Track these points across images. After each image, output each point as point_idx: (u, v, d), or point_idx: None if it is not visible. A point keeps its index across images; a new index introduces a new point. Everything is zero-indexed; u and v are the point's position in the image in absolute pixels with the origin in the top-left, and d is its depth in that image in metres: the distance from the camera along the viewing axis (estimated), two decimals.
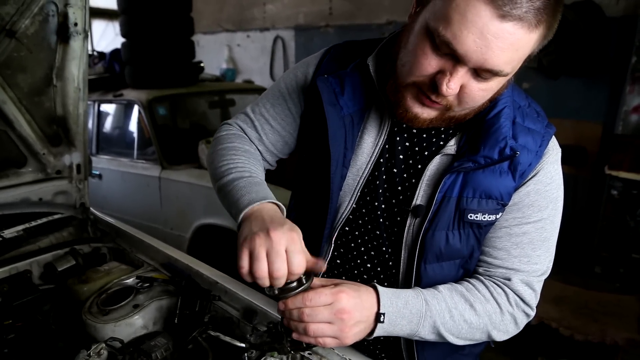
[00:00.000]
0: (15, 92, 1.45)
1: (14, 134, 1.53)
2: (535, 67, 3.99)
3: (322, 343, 0.78)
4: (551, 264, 0.92)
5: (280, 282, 0.73)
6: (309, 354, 0.97)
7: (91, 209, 1.74)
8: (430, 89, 0.75)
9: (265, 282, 0.73)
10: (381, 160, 0.92)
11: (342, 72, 0.92)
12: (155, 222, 3.31)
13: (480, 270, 0.92)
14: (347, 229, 0.97)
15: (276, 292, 0.76)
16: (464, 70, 0.71)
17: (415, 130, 0.89)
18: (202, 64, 3.98)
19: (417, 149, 0.90)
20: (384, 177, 0.92)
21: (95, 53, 3.95)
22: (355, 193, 0.93)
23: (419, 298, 0.83)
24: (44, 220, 1.65)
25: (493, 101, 0.82)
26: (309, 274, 0.77)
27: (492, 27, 0.66)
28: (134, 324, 1.14)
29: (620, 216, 3.47)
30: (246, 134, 1.05)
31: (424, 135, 0.89)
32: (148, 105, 3.24)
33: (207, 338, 1.08)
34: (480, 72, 0.71)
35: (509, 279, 0.89)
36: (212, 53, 6.50)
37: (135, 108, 3.34)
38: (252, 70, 6.27)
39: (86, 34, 1.47)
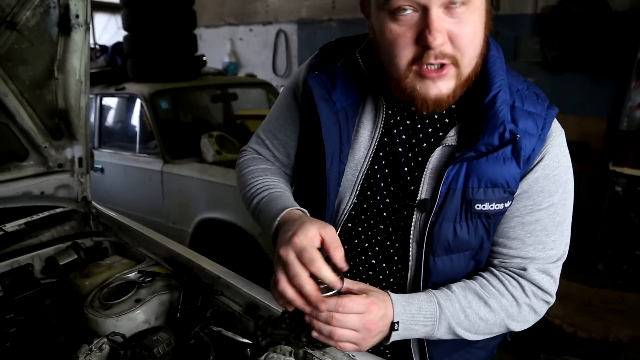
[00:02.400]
0: (17, 85, 1.44)
1: (16, 127, 1.52)
2: (539, 62, 3.97)
3: (341, 347, 0.78)
4: (567, 247, 0.91)
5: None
6: (311, 350, 0.97)
7: (93, 202, 1.73)
8: (425, 56, 0.74)
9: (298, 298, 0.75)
10: (380, 153, 0.91)
11: (332, 67, 0.92)
12: (157, 216, 3.31)
13: (495, 262, 0.91)
14: (349, 225, 0.96)
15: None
16: (436, 12, 0.71)
17: (411, 121, 0.88)
18: (204, 58, 3.97)
19: (416, 141, 0.89)
20: (386, 170, 0.91)
21: (97, 46, 3.94)
22: (356, 188, 0.92)
23: (432, 302, 0.84)
24: (46, 214, 1.64)
25: (487, 85, 0.81)
26: (341, 275, 0.76)
27: None
28: (135, 318, 1.14)
29: (624, 213, 3.45)
30: (261, 155, 1.09)
31: (421, 126, 0.88)
32: (150, 98, 3.23)
33: (209, 333, 1.07)
34: (450, 7, 0.71)
35: (525, 269, 0.88)
36: (215, 47, 6.47)
37: (138, 102, 3.33)
38: (255, 64, 6.25)
39: (88, 26, 1.45)
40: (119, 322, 1.11)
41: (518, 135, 0.79)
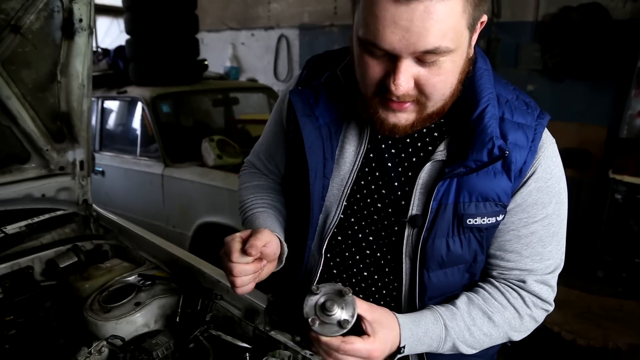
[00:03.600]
0: (20, 88, 1.45)
1: (18, 129, 1.52)
2: (540, 69, 3.99)
3: None
4: (563, 256, 0.92)
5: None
6: (310, 354, 0.97)
7: (94, 205, 1.74)
8: (387, 94, 0.75)
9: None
10: (366, 169, 0.91)
11: (316, 83, 0.93)
12: (157, 220, 3.31)
13: (494, 273, 0.92)
14: (339, 238, 0.95)
15: (316, 326, 0.77)
16: (406, 63, 0.71)
17: (399, 136, 0.87)
18: (206, 62, 3.98)
19: (405, 155, 0.89)
20: (373, 186, 0.91)
21: (99, 50, 3.95)
22: (341, 203, 0.92)
23: (438, 324, 0.85)
24: (47, 216, 1.64)
25: (474, 100, 0.81)
26: (353, 310, 0.77)
27: (401, 14, 0.66)
28: (135, 322, 1.14)
29: (624, 220, 3.45)
30: (256, 168, 1.15)
31: (410, 141, 0.88)
32: (152, 102, 3.24)
33: (208, 337, 1.07)
34: (422, 57, 0.70)
35: (524, 281, 0.89)
36: (216, 51, 6.50)
37: (139, 105, 3.34)
38: (256, 68, 6.27)
39: (91, 30, 1.46)
40: (119, 325, 1.11)
41: (507, 152, 0.79)
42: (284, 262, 0.95)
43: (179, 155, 3.21)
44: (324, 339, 0.76)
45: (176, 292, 1.21)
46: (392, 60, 0.72)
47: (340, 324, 0.76)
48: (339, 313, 0.77)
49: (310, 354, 0.97)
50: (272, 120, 1.09)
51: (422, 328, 0.83)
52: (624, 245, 3.46)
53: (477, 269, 0.92)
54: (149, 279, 1.25)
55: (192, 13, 3.66)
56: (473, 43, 0.78)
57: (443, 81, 0.75)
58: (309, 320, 0.76)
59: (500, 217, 0.85)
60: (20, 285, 1.35)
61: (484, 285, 0.92)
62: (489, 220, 0.84)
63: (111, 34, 7.36)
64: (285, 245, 0.94)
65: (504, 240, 0.89)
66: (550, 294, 0.91)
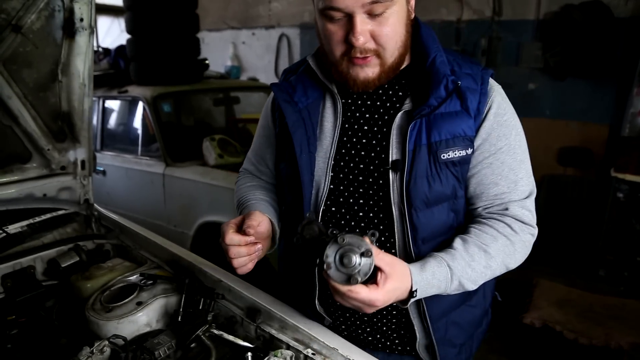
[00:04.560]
0: (21, 88, 1.45)
1: (19, 129, 1.52)
2: (541, 67, 3.98)
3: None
4: (534, 182, 1.04)
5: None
6: (312, 354, 0.97)
7: (95, 205, 1.74)
8: (352, 51, 0.90)
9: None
10: (344, 138, 1.03)
11: (292, 77, 1.08)
12: (158, 219, 3.31)
13: (479, 210, 1.02)
14: (333, 209, 1.04)
15: (331, 271, 0.82)
16: (360, 18, 0.86)
17: (370, 102, 1.02)
18: (207, 61, 3.97)
19: (378, 116, 1.01)
20: (353, 151, 1.02)
21: (100, 49, 3.95)
22: (328, 173, 1.03)
23: (442, 265, 0.92)
24: (48, 216, 1.65)
25: (425, 53, 0.96)
26: (371, 257, 0.81)
27: None
28: (137, 321, 1.14)
29: (626, 219, 3.44)
30: (249, 172, 1.28)
31: (380, 103, 1.01)
32: (153, 101, 3.24)
33: (210, 337, 1.07)
34: (371, 11, 0.86)
35: (507, 208, 1.00)
36: (217, 50, 6.49)
37: (140, 104, 3.34)
38: (257, 68, 6.27)
39: (92, 29, 1.46)
40: (121, 325, 1.12)
41: (459, 82, 0.93)
42: (277, 242, 1.09)
43: (180, 155, 3.21)
44: (333, 282, 0.82)
45: (178, 291, 1.21)
46: (348, 20, 0.88)
47: (350, 279, 0.81)
48: (354, 268, 0.81)
49: (312, 353, 0.97)
50: (260, 127, 1.24)
51: (429, 272, 0.91)
52: (626, 244, 3.45)
53: (459, 207, 1.02)
54: (151, 279, 1.25)
55: (192, 12, 3.65)
56: (412, 5, 0.94)
57: (392, 31, 0.90)
58: (325, 264, 0.81)
59: (469, 151, 0.97)
60: (22, 284, 1.35)
61: (473, 225, 1.01)
62: (460, 153, 0.96)
63: (112, 33, 7.36)
64: (277, 225, 1.08)
65: (480, 176, 1.00)
66: (532, 218, 1.01)
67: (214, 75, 4.19)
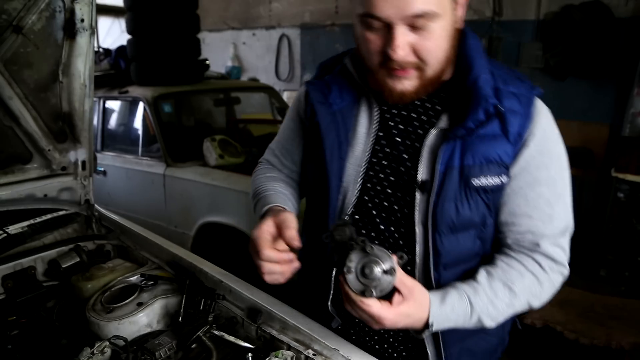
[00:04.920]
0: (22, 88, 1.45)
1: (20, 130, 1.52)
2: (542, 67, 3.98)
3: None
4: (572, 217, 0.95)
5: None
6: (313, 354, 0.97)
7: (96, 205, 1.74)
8: (389, 63, 0.84)
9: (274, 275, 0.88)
10: (377, 147, 0.98)
11: (328, 76, 1.02)
12: (159, 220, 3.31)
13: (508, 241, 0.95)
14: (356, 217, 1.00)
15: (348, 277, 0.79)
16: (400, 29, 0.80)
17: (405, 112, 0.96)
18: (207, 62, 3.98)
19: (412, 129, 0.95)
20: (385, 162, 0.97)
21: (101, 50, 3.95)
22: (358, 182, 0.98)
23: (463, 299, 0.88)
24: (49, 216, 1.64)
25: (468, 69, 0.88)
26: (393, 273, 0.78)
27: None
28: (137, 322, 1.14)
29: (627, 219, 3.44)
30: (271, 163, 1.21)
31: (415, 115, 0.95)
32: (153, 102, 3.24)
33: (211, 337, 1.07)
34: (413, 23, 0.79)
35: (538, 244, 0.92)
36: (218, 51, 6.49)
37: (141, 105, 3.34)
38: (258, 68, 6.27)
39: (93, 30, 1.46)
40: (121, 326, 1.11)
41: (502, 109, 0.86)
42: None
43: (180, 155, 3.21)
44: (347, 289, 0.80)
45: (178, 292, 1.21)
46: (388, 30, 0.81)
47: (365, 291, 0.78)
48: (373, 281, 0.78)
49: (313, 354, 0.97)
50: (289, 118, 1.17)
51: (449, 305, 0.87)
52: (626, 244, 3.45)
53: (487, 235, 0.95)
54: (152, 279, 1.25)
55: (193, 13, 3.65)
56: (459, 15, 0.86)
57: (436, 45, 0.83)
58: (346, 267, 0.79)
59: (504, 178, 0.89)
60: (23, 285, 1.35)
61: (500, 257, 0.95)
62: (493, 181, 0.89)
63: (113, 34, 7.36)
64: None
65: (513, 205, 0.92)
66: (564, 256, 0.94)
67: (215, 76, 4.20)
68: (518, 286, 0.91)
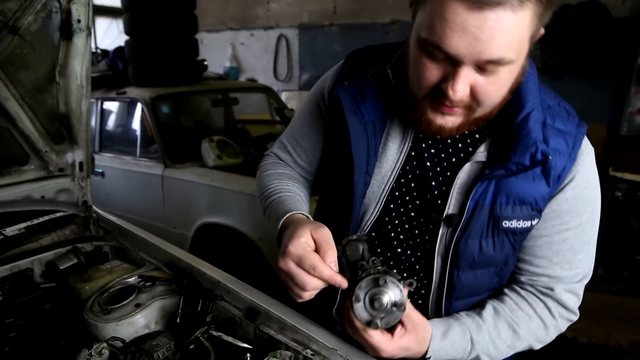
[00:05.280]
0: (18, 89, 1.44)
1: (16, 131, 1.52)
2: (540, 67, 3.97)
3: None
4: (592, 265, 0.92)
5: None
6: (312, 354, 0.97)
7: (93, 207, 1.73)
8: (441, 98, 0.75)
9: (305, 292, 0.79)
10: (407, 167, 0.91)
11: (362, 79, 0.92)
12: (157, 221, 3.31)
13: (522, 278, 0.92)
14: (373, 234, 0.96)
15: (355, 305, 0.76)
16: (466, 69, 0.70)
17: (440, 136, 0.86)
18: (205, 62, 3.98)
19: (445, 155, 0.88)
20: (413, 184, 0.91)
21: (98, 51, 3.95)
22: (380, 201, 0.92)
23: (465, 337, 0.86)
24: (46, 218, 1.64)
25: (519, 103, 0.80)
26: (402, 308, 0.75)
27: (472, 20, 0.65)
28: (135, 323, 1.13)
29: (625, 218, 3.44)
30: (282, 160, 1.12)
31: (451, 141, 0.88)
32: (151, 103, 3.24)
33: (209, 338, 1.07)
34: (483, 66, 0.70)
35: (552, 289, 0.89)
36: (216, 51, 6.49)
37: (139, 106, 3.33)
38: (256, 68, 6.27)
39: (89, 31, 1.46)
40: (119, 327, 1.11)
41: (550, 157, 0.79)
42: None
43: (178, 156, 3.21)
44: (352, 316, 0.76)
45: (176, 293, 1.21)
46: (452, 65, 0.71)
47: (370, 323, 0.76)
48: (380, 313, 0.75)
49: (311, 354, 0.96)
50: (307, 112, 1.07)
51: (450, 341, 0.85)
52: (624, 242, 3.46)
53: (507, 273, 0.92)
54: (149, 280, 1.25)
55: (191, 13, 3.65)
56: (526, 52, 0.76)
57: (498, 90, 0.75)
58: (354, 295, 0.75)
59: (535, 222, 0.85)
60: (20, 287, 1.35)
61: (510, 294, 0.92)
62: (524, 224, 0.84)
63: (110, 34, 7.36)
64: None
65: (535, 246, 0.88)
66: (576, 303, 0.91)
67: (213, 77, 4.20)
68: (523, 329, 0.89)
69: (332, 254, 0.77)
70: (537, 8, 0.68)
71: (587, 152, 0.86)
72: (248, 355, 1.00)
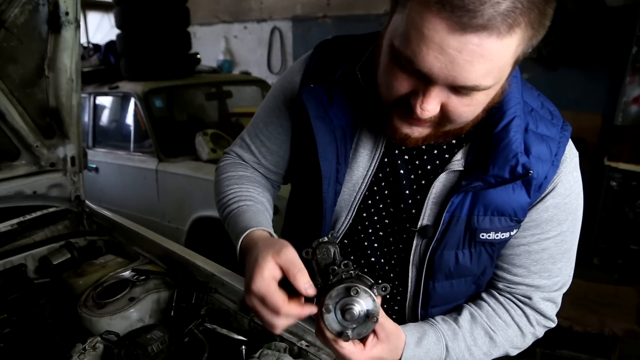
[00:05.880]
0: (6, 84, 1.43)
1: (6, 126, 1.50)
2: (534, 57, 3.97)
3: None
4: (572, 273, 0.90)
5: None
6: (306, 346, 0.97)
7: (87, 202, 1.72)
8: (408, 111, 0.69)
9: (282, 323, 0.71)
10: (380, 174, 0.86)
11: (330, 79, 0.85)
12: (152, 215, 3.30)
13: (500, 285, 0.90)
14: (345, 241, 0.92)
15: (325, 315, 0.70)
16: (438, 88, 0.64)
17: (406, 147, 0.82)
18: (198, 56, 3.95)
19: (419, 163, 0.83)
20: (386, 192, 0.86)
21: (90, 45, 3.91)
22: (353, 209, 0.88)
23: (440, 344, 0.83)
24: (39, 213, 1.63)
25: (500, 110, 0.75)
26: (375, 318, 0.70)
27: (452, 42, 0.58)
28: (129, 317, 1.13)
29: (619, 207, 3.46)
30: (244, 160, 1.03)
31: (426, 148, 0.82)
32: (144, 97, 3.21)
33: (203, 331, 1.07)
34: (458, 89, 0.64)
35: (530, 297, 0.87)
36: (209, 44, 6.44)
37: (132, 100, 3.31)
38: (249, 61, 6.23)
39: (78, 23, 1.44)
40: (113, 321, 1.11)
41: (531, 172, 0.74)
42: None
43: (172, 150, 3.19)
44: (323, 326, 0.71)
45: (170, 286, 1.21)
46: (423, 81, 0.64)
47: (341, 333, 0.71)
48: (352, 324, 0.71)
49: (306, 345, 0.96)
50: (273, 109, 0.97)
51: (424, 348, 0.81)
52: (619, 232, 3.48)
53: (484, 281, 0.90)
54: (143, 274, 1.25)
55: (183, 6, 3.62)
56: (508, 73, 0.69)
57: (471, 111, 0.69)
58: (324, 306, 0.70)
59: (513, 232, 0.82)
60: (14, 283, 1.34)
61: (488, 299, 0.90)
62: (502, 236, 0.81)
63: (102, 29, 7.28)
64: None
65: (513, 254, 0.86)
66: (554, 310, 0.90)
67: (206, 70, 4.17)
68: (500, 336, 0.87)
69: (302, 276, 0.69)
70: (527, 32, 0.62)
71: (570, 158, 0.81)
72: (243, 347, 1.00)
